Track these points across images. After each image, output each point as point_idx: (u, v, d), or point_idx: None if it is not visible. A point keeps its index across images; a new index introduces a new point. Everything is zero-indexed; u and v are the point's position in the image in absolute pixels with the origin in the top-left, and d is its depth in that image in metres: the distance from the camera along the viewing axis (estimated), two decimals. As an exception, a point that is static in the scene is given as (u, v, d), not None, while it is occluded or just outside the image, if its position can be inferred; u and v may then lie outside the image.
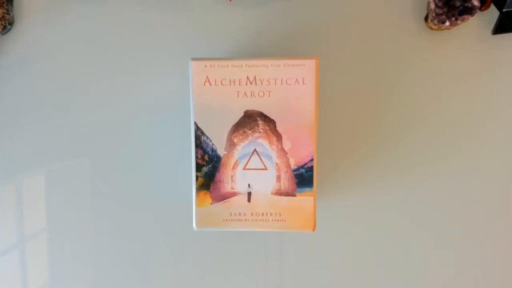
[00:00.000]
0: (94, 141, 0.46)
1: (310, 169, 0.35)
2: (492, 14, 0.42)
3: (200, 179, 0.36)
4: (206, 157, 0.35)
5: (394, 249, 0.46)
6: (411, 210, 0.45)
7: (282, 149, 0.35)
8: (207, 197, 0.36)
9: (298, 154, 0.35)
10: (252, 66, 0.34)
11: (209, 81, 0.34)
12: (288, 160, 0.35)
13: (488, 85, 0.44)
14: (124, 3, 0.44)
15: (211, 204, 0.36)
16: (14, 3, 0.44)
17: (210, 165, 0.35)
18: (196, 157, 0.35)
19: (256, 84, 0.34)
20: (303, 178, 0.35)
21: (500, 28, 0.42)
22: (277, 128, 0.35)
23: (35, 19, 0.44)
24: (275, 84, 0.34)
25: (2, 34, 0.44)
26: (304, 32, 0.44)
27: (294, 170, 0.35)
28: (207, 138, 0.35)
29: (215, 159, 0.35)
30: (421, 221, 0.45)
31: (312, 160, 0.35)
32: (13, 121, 0.46)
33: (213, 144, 0.35)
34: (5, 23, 0.43)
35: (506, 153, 0.44)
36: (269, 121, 0.35)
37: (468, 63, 0.43)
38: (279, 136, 0.35)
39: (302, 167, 0.35)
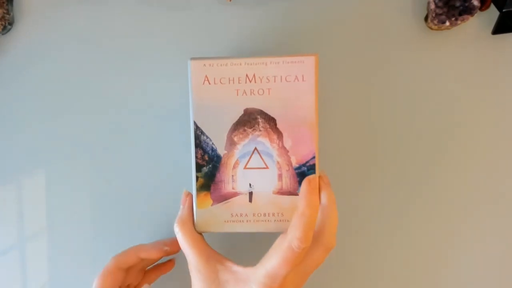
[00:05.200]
0: (94, 141, 0.45)
1: (312, 167, 0.35)
2: (492, 14, 0.42)
3: (201, 180, 0.35)
4: (206, 157, 0.35)
5: (394, 249, 0.45)
6: (412, 208, 0.45)
7: (283, 147, 0.34)
8: (207, 198, 0.35)
9: (300, 152, 0.34)
10: (251, 64, 0.34)
11: (208, 80, 0.34)
12: (290, 158, 0.35)
13: (488, 84, 0.43)
14: (124, 3, 0.44)
15: (212, 205, 0.35)
16: (14, 3, 0.44)
17: (210, 165, 0.35)
18: (196, 157, 0.35)
19: (255, 82, 0.34)
20: (305, 176, 0.35)
21: (500, 28, 0.42)
22: (278, 126, 0.34)
23: (35, 19, 0.44)
24: (275, 81, 0.34)
25: (2, 34, 0.44)
26: (304, 32, 0.44)
27: (296, 169, 0.35)
28: (207, 137, 0.35)
29: (215, 158, 0.35)
30: (422, 220, 0.45)
31: (313, 157, 0.35)
32: (13, 121, 0.45)
33: (213, 143, 0.35)
34: (5, 23, 0.43)
35: (506, 152, 0.44)
36: (269, 119, 0.34)
37: (468, 63, 0.43)
38: (279, 134, 0.34)
39: (304, 165, 0.35)
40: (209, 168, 0.35)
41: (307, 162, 0.34)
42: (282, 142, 0.34)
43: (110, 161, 0.45)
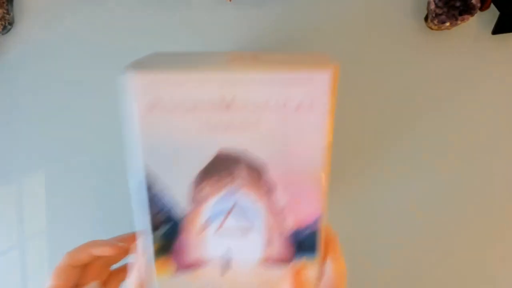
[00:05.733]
0: (94, 141, 0.42)
1: (314, 233, 0.24)
2: (492, 14, 0.38)
3: (157, 244, 0.24)
4: (161, 217, 0.23)
5: (394, 247, 0.44)
6: (411, 207, 0.42)
7: (275, 205, 0.23)
8: (168, 263, 0.24)
9: (299, 212, 0.23)
10: (229, 81, 0.21)
11: (160, 104, 0.21)
12: (284, 220, 0.23)
13: (488, 84, 0.40)
14: (124, 3, 0.40)
15: (176, 272, 0.24)
16: (14, 3, 0.40)
17: (168, 226, 0.24)
18: (150, 213, 0.23)
19: (236, 109, 0.21)
20: (304, 243, 0.24)
21: (500, 28, 0.38)
22: (269, 175, 0.22)
23: (35, 19, 0.40)
24: (266, 109, 0.21)
25: (2, 34, 0.40)
26: (303, 33, 0.40)
27: (293, 233, 0.24)
28: (162, 189, 0.23)
29: (174, 219, 0.24)
30: (422, 219, 0.42)
31: (317, 220, 0.23)
32: (13, 121, 0.42)
33: (170, 197, 0.23)
34: (5, 23, 0.41)
35: (505, 152, 0.41)
36: (256, 166, 0.22)
37: (468, 63, 0.40)
38: (270, 187, 0.23)
39: (304, 230, 0.24)
40: (167, 230, 0.24)
41: (308, 226, 0.23)
42: (275, 198, 0.23)
43: (111, 160, 0.42)
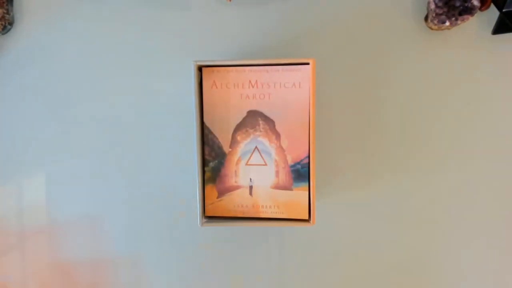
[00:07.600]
0: (94, 141, 0.43)
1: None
2: (492, 14, 0.40)
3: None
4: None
5: (393, 245, 0.43)
6: (409, 205, 0.43)
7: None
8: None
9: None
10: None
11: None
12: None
13: (488, 84, 0.41)
14: (124, 3, 0.41)
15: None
16: (14, 3, 0.41)
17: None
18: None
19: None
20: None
21: (500, 28, 0.39)
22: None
23: (35, 19, 0.42)
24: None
25: (2, 34, 0.41)
26: (304, 32, 0.41)
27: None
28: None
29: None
30: (419, 216, 0.43)
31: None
32: (13, 121, 0.44)
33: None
34: (5, 23, 0.42)
35: (505, 152, 0.42)
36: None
37: (468, 63, 0.41)
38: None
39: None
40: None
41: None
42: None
43: (111, 160, 0.43)
